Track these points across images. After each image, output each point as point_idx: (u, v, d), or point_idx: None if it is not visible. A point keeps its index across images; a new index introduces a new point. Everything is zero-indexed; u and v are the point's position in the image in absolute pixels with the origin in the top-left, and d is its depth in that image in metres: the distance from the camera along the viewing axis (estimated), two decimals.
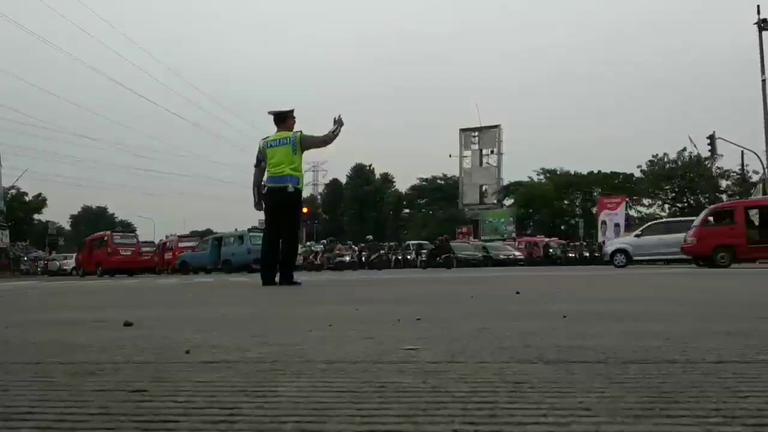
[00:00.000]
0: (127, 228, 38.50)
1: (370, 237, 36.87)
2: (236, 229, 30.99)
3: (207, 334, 2.19)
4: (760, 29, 33.53)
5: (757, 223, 19.37)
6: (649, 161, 58.13)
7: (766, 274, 10.32)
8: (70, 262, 40.56)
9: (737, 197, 40.99)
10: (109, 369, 1.48)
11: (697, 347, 1.67)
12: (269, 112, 8.21)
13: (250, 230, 29.15)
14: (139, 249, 29.60)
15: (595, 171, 69.02)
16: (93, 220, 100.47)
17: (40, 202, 69.22)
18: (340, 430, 0.92)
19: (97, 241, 29.92)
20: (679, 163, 55.19)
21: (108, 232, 30.66)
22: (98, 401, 1.12)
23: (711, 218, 19.66)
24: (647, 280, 8.06)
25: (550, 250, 40.57)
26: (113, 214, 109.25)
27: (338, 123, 8.03)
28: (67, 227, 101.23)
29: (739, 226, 18.47)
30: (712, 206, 23.41)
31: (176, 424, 0.97)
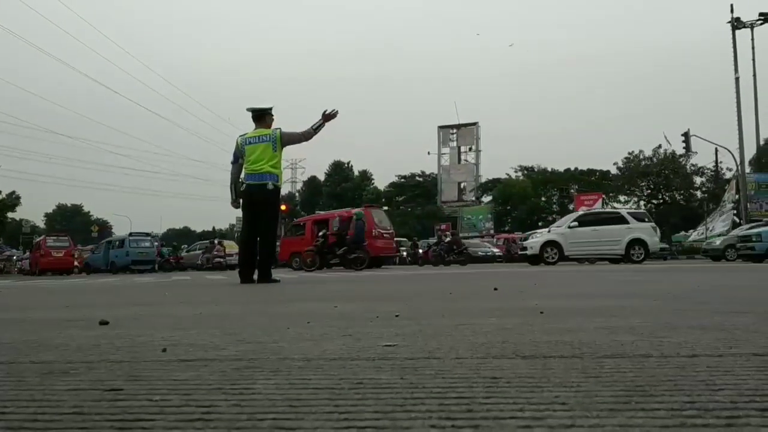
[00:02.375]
0: (61, 232, 41.65)
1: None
2: (130, 234, 33.60)
3: (184, 333, 2.18)
4: (734, 28, 34.07)
5: None
6: (625, 158, 58.65)
7: (741, 270, 10.47)
8: None
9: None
10: (83, 368, 1.46)
11: (671, 341, 1.69)
12: (248, 109, 8.15)
13: (130, 235, 32.54)
14: (70, 252, 34.18)
15: (572, 168, 69.60)
16: (68, 218, 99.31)
17: (13, 200, 68.19)
18: (317, 427, 0.92)
19: (37, 244, 34.74)
20: (655, 160, 55.75)
21: (43, 237, 35.83)
22: (72, 401, 1.11)
23: None
24: (622, 276, 8.14)
25: None
26: (89, 212, 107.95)
27: (325, 117, 7.98)
28: (42, 225, 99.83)
29: None
30: None
31: (152, 423, 0.96)
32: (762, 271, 9.42)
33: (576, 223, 20.98)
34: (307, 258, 19.58)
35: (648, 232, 20.52)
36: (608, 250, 20.47)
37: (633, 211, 21.80)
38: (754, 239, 19.79)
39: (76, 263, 35.21)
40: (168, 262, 34.62)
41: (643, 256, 20.09)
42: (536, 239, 21.27)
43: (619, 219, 21.03)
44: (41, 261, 32.73)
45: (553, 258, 20.29)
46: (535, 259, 20.65)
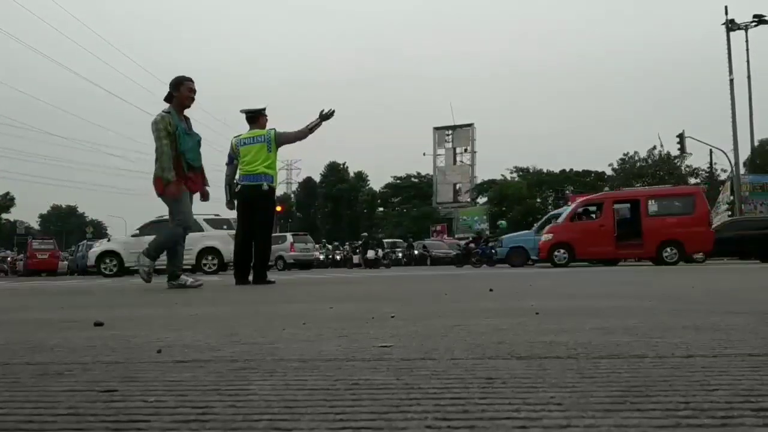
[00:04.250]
0: (47, 236, 43.48)
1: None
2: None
3: (179, 334, 2.17)
4: (728, 30, 34.18)
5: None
6: (620, 159, 58.77)
7: (735, 270, 10.50)
8: None
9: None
10: (79, 369, 1.45)
11: (666, 342, 1.70)
12: (242, 111, 8.14)
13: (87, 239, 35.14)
14: (54, 254, 36.54)
15: (567, 169, 69.70)
16: (63, 220, 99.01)
17: (8, 202, 68.06)
18: (313, 428, 0.92)
19: (25, 246, 37.81)
20: (650, 161, 55.86)
21: (29, 239, 38.64)
22: (67, 402, 1.10)
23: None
24: (617, 277, 8.16)
25: None
26: (83, 213, 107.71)
27: (322, 117, 7.94)
28: (37, 227, 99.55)
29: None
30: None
31: (147, 424, 0.96)
32: (757, 271, 9.45)
33: (138, 232, 20.21)
34: None
35: (224, 240, 19.13)
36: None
37: (212, 217, 21.05)
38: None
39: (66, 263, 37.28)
40: None
41: (216, 266, 19.32)
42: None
43: (194, 226, 19.52)
44: (28, 262, 36.11)
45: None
46: None
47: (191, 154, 6.93)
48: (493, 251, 23.30)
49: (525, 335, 1.91)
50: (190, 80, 7.04)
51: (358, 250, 31.97)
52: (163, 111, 6.87)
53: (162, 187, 6.78)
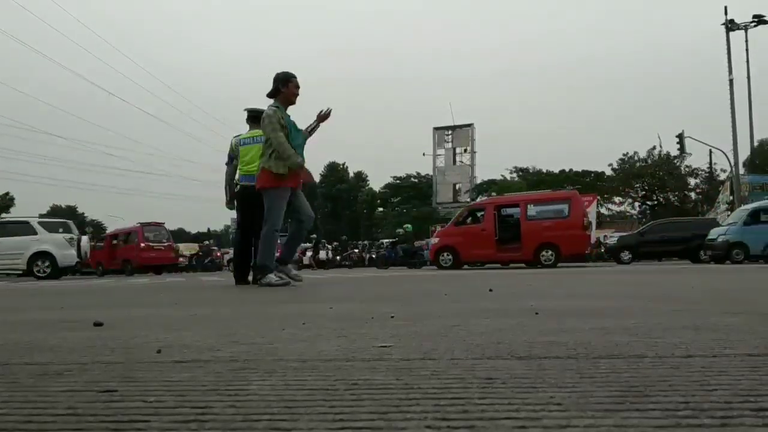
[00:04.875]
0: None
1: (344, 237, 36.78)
2: None
3: (178, 334, 2.17)
4: (728, 30, 34.19)
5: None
6: (620, 160, 58.75)
7: (734, 271, 10.51)
8: None
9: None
10: (78, 369, 1.45)
11: (666, 342, 1.70)
12: (246, 109, 8.14)
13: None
14: None
15: (567, 169, 69.67)
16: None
17: (7, 201, 68.07)
18: (313, 428, 0.92)
19: None
20: (649, 161, 55.86)
21: None
22: (66, 402, 1.10)
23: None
24: (615, 277, 8.16)
25: None
26: (83, 213, 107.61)
27: (320, 118, 7.93)
28: None
29: None
30: None
31: (146, 424, 0.96)
32: (755, 272, 9.46)
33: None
34: None
35: (58, 244, 18.86)
36: (8, 264, 18.69)
37: (47, 220, 20.32)
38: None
39: None
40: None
41: (49, 272, 18.43)
42: None
43: (26, 229, 19.06)
44: None
45: None
46: None
47: (300, 150, 6.92)
48: (421, 253, 25.07)
49: (524, 335, 1.91)
50: (295, 77, 7.03)
51: (308, 252, 32.14)
52: (272, 105, 6.88)
53: (267, 180, 6.74)
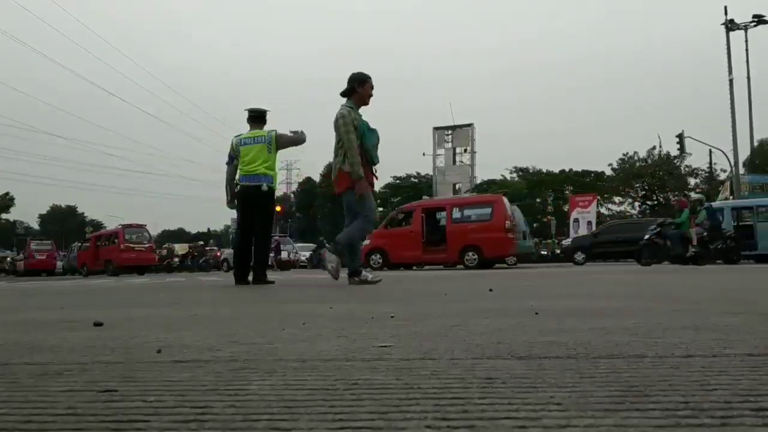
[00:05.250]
0: (45, 237, 45.02)
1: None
2: None
3: (178, 334, 2.17)
4: (728, 29, 34.16)
5: None
6: (620, 159, 58.82)
7: (730, 271, 10.51)
8: None
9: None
10: (78, 369, 1.45)
11: (665, 342, 1.70)
12: (247, 109, 8.14)
13: None
14: (51, 254, 37.75)
15: (567, 169, 69.74)
16: (62, 220, 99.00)
17: (7, 201, 68.08)
18: (313, 428, 0.92)
19: (25, 247, 38.97)
20: (649, 161, 55.90)
21: (28, 240, 40.42)
22: (66, 402, 1.10)
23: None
24: (615, 277, 8.16)
25: None
26: (83, 213, 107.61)
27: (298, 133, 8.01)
28: (36, 227, 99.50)
29: None
30: None
31: (146, 424, 0.96)
32: (755, 272, 9.46)
33: None
34: None
35: None
36: None
37: None
38: None
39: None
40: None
41: None
42: None
43: None
44: (27, 263, 36.87)
45: None
46: None
47: (375, 151, 6.80)
48: None
49: (524, 335, 1.91)
50: (371, 78, 6.93)
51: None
52: (346, 105, 6.76)
53: (349, 181, 6.59)
